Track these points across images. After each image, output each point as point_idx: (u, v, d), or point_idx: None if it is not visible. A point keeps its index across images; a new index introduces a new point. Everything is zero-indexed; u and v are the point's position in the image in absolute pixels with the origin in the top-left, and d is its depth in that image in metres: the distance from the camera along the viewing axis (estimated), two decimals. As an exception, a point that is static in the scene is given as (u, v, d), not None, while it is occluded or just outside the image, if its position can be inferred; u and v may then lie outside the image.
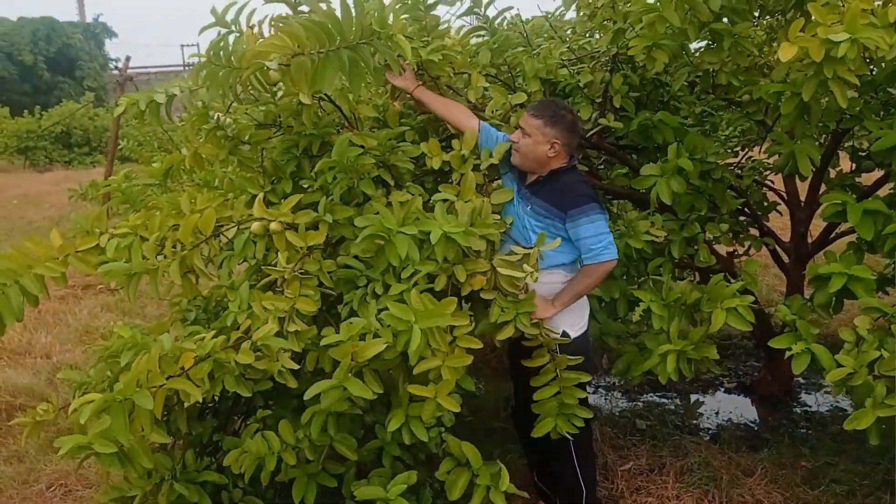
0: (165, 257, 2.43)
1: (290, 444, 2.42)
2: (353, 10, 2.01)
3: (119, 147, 8.66)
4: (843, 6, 2.40)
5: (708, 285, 2.94)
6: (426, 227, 2.43)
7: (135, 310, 6.50)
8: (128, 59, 8.39)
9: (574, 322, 2.84)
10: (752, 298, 2.87)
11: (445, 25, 3.14)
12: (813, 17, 2.43)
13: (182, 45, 43.76)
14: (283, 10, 2.57)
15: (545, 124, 2.73)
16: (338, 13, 2.19)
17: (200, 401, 2.19)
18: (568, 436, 2.72)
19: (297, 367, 2.40)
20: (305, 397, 2.29)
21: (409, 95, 2.99)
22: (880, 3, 2.54)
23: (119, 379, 2.14)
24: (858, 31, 2.31)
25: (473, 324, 2.53)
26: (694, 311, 2.96)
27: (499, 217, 2.75)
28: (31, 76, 31.74)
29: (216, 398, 2.80)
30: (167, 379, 2.09)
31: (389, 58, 2.19)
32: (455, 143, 2.87)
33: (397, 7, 2.67)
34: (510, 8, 3.75)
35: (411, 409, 2.37)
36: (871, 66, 2.95)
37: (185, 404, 2.17)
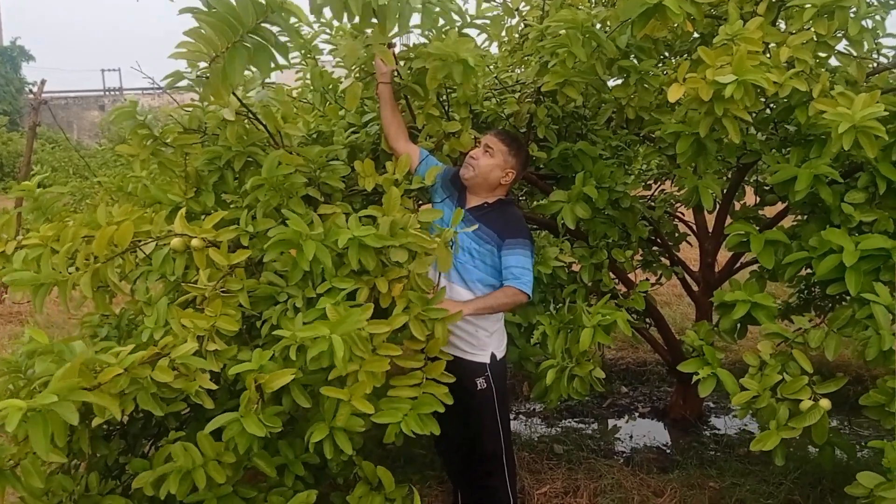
0: (77, 269, 2.34)
1: (209, 457, 2.32)
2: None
3: (33, 172, 8.35)
4: (734, 49, 2.55)
5: (594, 308, 3.04)
6: (336, 234, 2.41)
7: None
8: (43, 82, 8.11)
9: (499, 345, 2.93)
10: (625, 315, 2.95)
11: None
12: (703, 60, 2.58)
13: (102, 70, 42.62)
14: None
15: (510, 152, 2.86)
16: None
17: (113, 418, 2.12)
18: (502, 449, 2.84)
19: (215, 387, 2.34)
20: (207, 430, 2.24)
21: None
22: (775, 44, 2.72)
23: (30, 384, 2.06)
24: (745, 72, 2.45)
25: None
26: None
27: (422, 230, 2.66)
28: (-59, 99, 30.51)
29: (124, 420, 2.71)
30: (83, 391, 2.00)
31: (287, 29, 2.11)
32: (389, 165, 2.88)
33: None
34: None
35: (336, 420, 2.33)
36: (770, 104, 3.14)
37: (92, 424, 2.09)
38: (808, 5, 2.66)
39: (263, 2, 2.03)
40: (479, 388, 2.83)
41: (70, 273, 2.35)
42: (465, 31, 2.97)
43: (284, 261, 2.45)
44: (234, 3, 1.98)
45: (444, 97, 3.37)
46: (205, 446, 2.31)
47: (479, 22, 3.02)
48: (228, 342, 2.42)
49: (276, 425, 2.29)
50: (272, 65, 2.21)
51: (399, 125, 3.00)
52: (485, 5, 3.10)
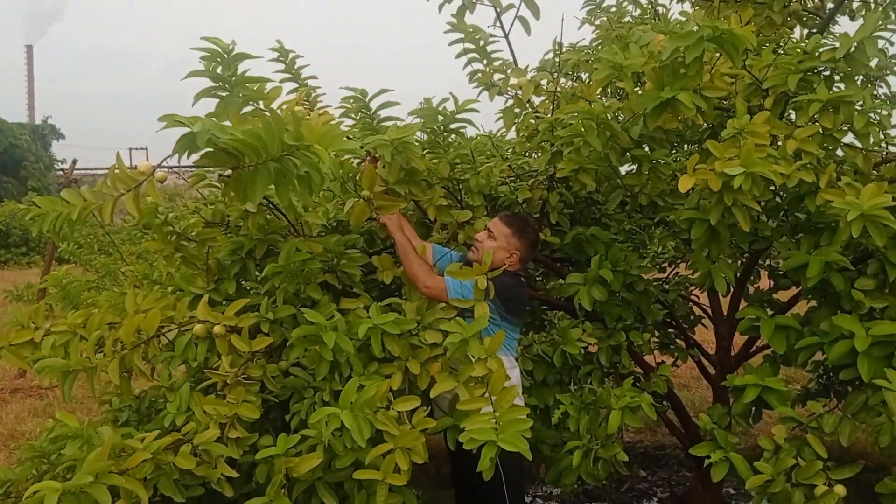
0: (105, 355, 2.41)
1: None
2: (273, 126, 2.03)
3: (59, 248, 8.52)
4: (742, 142, 2.64)
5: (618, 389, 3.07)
6: (355, 325, 2.47)
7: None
8: (74, 161, 8.47)
9: None
10: (648, 399, 2.99)
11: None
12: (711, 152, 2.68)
13: (130, 149, 43.66)
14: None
15: (513, 234, 2.96)
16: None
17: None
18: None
19: (236, 475, 2.37)
20: None
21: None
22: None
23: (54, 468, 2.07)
24: (753, 164, 2.54)
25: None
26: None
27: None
28: (-28, 175, 31.43)
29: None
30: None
31: (311, 167, 2.15)
32: None
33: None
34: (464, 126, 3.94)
35: None
36: (780, 193, 3.22)
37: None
38: (814, 100, 2.76)
39: (288, 142, 2.08)
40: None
41: (97, 358, 2.41)
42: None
43: (311, 358, 2.51)
44: (262, 134, 2.05)
45: (458, 185, 3.49)
46: None
47: (461, 116, 3.24)
48: (248, 428, 2.46)
49: None
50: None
51: (415, 262, 2.94)
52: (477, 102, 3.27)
